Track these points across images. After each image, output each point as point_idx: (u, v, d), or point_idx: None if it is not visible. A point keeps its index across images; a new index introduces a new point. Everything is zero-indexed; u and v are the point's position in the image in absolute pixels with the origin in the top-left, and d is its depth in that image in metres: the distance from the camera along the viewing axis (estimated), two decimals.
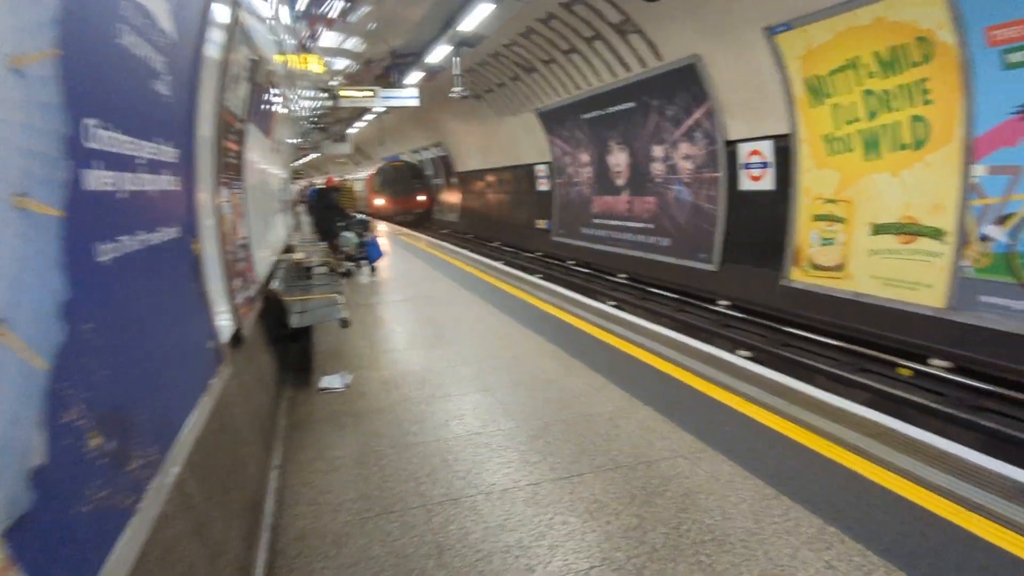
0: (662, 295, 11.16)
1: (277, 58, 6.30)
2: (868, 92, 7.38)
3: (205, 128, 2.67)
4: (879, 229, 7.59)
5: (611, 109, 12.93)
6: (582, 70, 12.60)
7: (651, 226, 12.70)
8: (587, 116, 13.94)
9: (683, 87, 10.41)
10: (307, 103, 13.04)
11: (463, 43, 12.86)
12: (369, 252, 9.85)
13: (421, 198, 29.55)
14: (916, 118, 6.92)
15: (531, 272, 13.53)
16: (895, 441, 3.09)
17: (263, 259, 5.32)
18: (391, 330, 6.11)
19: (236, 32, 3.05)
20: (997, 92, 6.05)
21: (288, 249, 8.98)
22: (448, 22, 12.07)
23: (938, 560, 2.14)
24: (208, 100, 2.74)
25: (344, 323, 4.56)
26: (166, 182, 1.94)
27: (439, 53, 13.62)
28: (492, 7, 10.19)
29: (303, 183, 34.03)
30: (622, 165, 13.42)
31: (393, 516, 2.58)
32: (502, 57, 14.17)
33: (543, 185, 17.75)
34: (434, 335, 5.74)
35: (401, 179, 29.48)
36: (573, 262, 15.53)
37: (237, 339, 3.20)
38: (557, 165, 16.52)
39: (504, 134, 18.69)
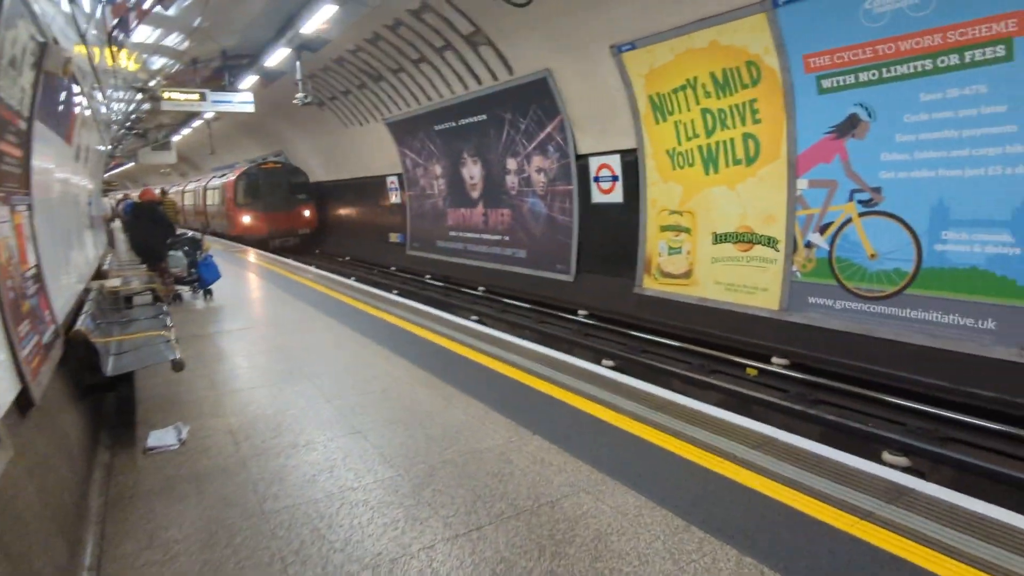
0: (522, 307, 11.17)
1: (78, 48, 5.26)
2: (706, 111, 7.91)
3: None
4: (720, 238, 8.15)
5: (463, 121, 12.81)
6: (433, 81, 12.34)
7: (507, 238, 12.74)
8: (439, 127, 13.70)
9: (535, 101, 10.55)
10: (121, 105, 11.35)
11: (304, 46, 12.04)
12: (202, 274, 8.68)
13: (307, 213, 21.95)
14: (748, 136, 7.52)
15: (387, 288, 12.94)
16: (777, 450, 3.15)
17: (64, 290, 4.34)
18: (236, 365, 5.31)
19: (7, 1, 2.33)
20: (814, 114, 6.73)
21: (100, 274, 7.62)
22: (287, 23, 11.19)
23: None
24: None
25: (177, 365, 3.80)
26: None
27: (278, 56, 12.61)
28: (335, 8, 9.59)
29: (118, 195, 29.53)
30: (476, 177, 13.34)
31: None
32: (348, 63, 13.46)
33: (395, 197, 17.20)
34: (288, 368, 5.07)
35: (277, 187, 21.52)
36: (430, 276, 15.16)
37: (25, 403, 2.45)
38: (409, 177, 16.07)
39: (352, 144, 17.85)
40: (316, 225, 22.18)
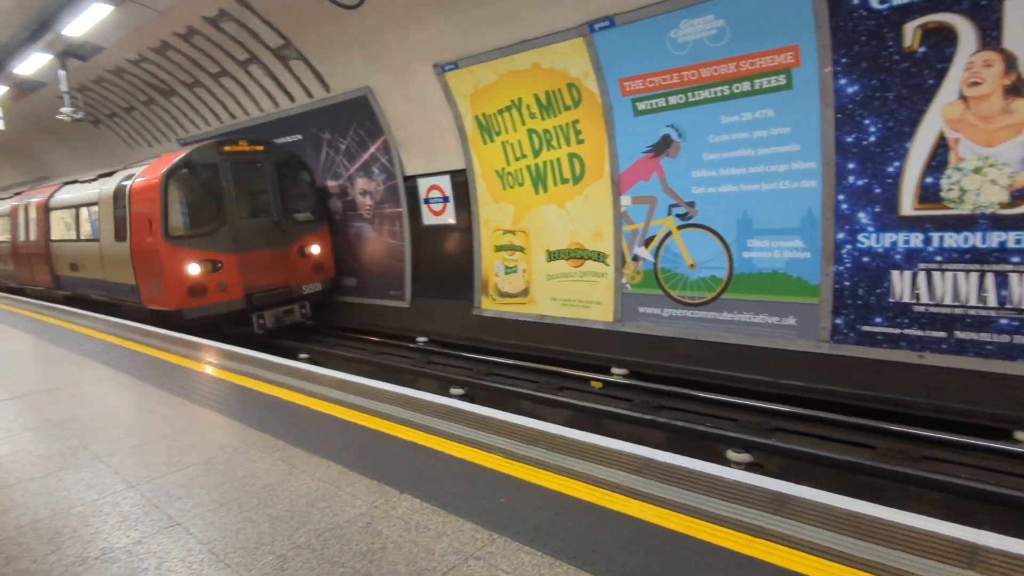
0: (357, 338, 10.48)
1: None
2: (532, 131, 8.04)
3: None
4: (553, 255, 8.31)
5: (275, 141, 11.77)
6: (237, 97, 11.18)
7: None
8: None
9: (356, 120, 10.00)
10: None
11: (71, 53, 10.23)
12: None
13: (316, 249, 10.82)
14: (573, 155, 7.77)
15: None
16: (658, 472, 3.07)
17: None
18: None
19: None
20: (632, 134, 7.12)
21: None
22: (44, 23, 9.37)
23: None
24: None
25: None
26: None
27: (34, 62, 10.55)
28: (109, 9, 8.22)
29: None
30: None
31: None
32: (129, 75, 11.70)
33: None
34: (70, 448, 4.00)
35: (259, 192, 10.28)
36: None
37: None
38: None
39: None
40: (333, 273, 11.20)
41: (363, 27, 8.24)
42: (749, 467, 4.85)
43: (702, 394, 6.26)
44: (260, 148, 10.25)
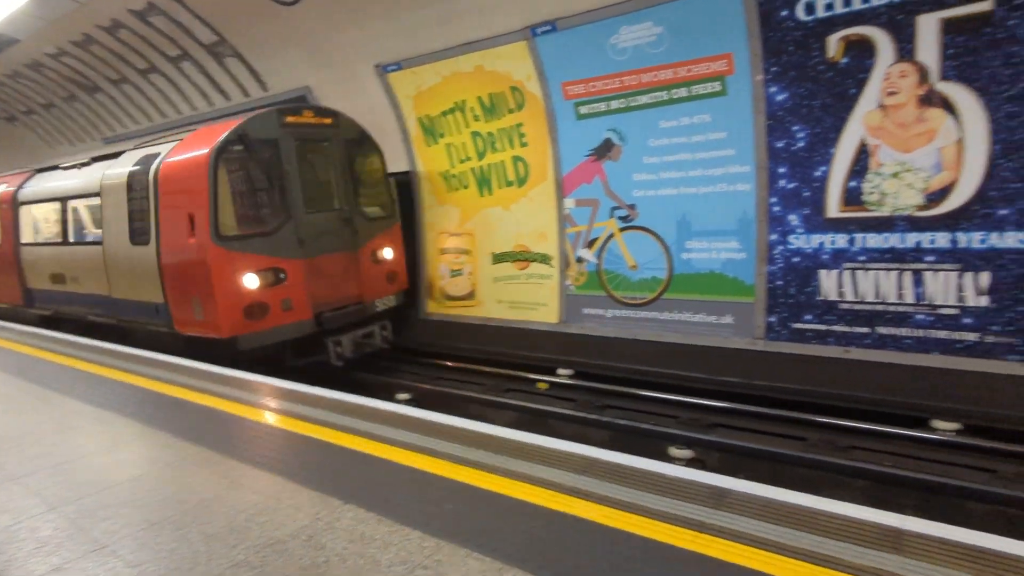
0: None
1: None
2: (476, 133, 8.03)
3: None
4: (498, 258, 8.33)
5: None
6: (168, 94, 10.70)
7: None
8: None
9: None
10: None
11: None
12: None
13: (388, 254, 8.33)
14: (517, 158, 7.81)
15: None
16: (602, 471, 3.11)
17: None
18: None
19: None
20: (575, 138, 7.22)
21: None
22: None
23: None
24: None
25: None
26: None
27: None
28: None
29: None
30: None
31: None
32: (48, 69, 11.02)
33: None
34: None
35: (328, 179, 7.85)
36: None
37: None
38: None
39: None
40: (407, 283, 8.84)
41: (302, 25, 8.03)
42: (691, 463, 4.99)
43: (645, 392, 6.39)
44: (328, 121, 7.83)
